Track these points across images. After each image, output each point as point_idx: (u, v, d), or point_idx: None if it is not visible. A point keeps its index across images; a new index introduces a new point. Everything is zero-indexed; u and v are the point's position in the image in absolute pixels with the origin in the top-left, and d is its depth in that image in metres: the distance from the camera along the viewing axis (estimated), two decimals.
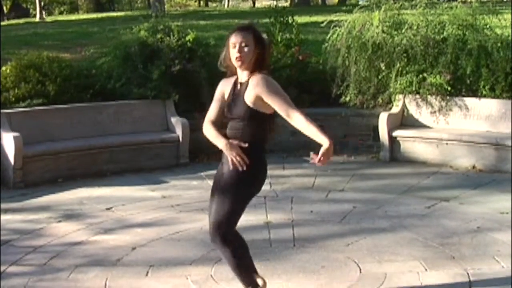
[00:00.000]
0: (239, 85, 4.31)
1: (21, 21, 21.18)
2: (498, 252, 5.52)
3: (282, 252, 5.66)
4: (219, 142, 4.34)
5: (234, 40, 4.21)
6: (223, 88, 4.42)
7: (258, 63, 4.26)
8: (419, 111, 9.35)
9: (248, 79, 4.25)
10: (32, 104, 9.01)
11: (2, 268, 5.41)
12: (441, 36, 9.40)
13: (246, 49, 4.20)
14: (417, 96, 9.31)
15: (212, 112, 4.46)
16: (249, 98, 4.21)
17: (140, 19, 10.76)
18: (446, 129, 9.09)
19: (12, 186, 8.07)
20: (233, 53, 4.22)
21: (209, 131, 4.44)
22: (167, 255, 5.66)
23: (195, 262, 5.48)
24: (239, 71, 4.31)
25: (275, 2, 26.81)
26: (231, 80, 4.39)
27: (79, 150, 8.65)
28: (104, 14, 21.55)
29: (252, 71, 4.25)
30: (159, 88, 9.45)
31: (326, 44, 9.96)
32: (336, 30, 9.85)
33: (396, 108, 9.41)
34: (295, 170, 8.67)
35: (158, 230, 6.34)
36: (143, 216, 6.85)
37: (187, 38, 9.82)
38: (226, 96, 4.38)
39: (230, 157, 4.25)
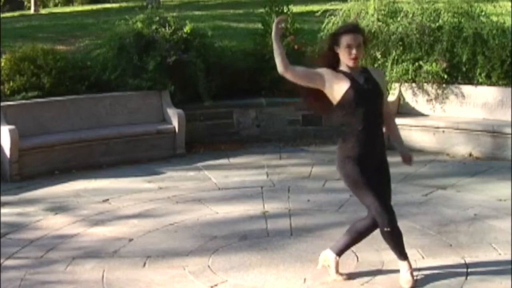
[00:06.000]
0: (356, 74, 4.50)
1: (16, 13, 21.07)
2: (496, 239, 5.53)
3: (279, 242, 5.66)
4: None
5: (350, 42, 4.40)
6: (330, 77, 4.49)
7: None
8: (415, 99, 9.34)
9: (364, 68, 4.61)
10: (27, 96, 8.98)
11: None
12: (437, 24, 9.37)
13: (359, 48, 4.43)
14: (413, 84, 9.30)
15: (305, 70, 4.55)
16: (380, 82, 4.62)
17: (135, 10, 10.71)
18: (443, 117, 9.08)
19: (9, 179, 8.04)
20: (348, 53, 4.42)
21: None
22: (164, 246, 5.66)
23: (192, 253, 5.48)
24: (349, 66, 4.47)
25: None
26: (339, 75, 4.49)
27: (75, 142, 8.63)
28: (99, 6, 21.44)
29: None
30: (154, 79, 9.41)
31: (322, 33, 9.93)
32: (331, 19, 9.83)
33: (392, 97, 9.38)
34: (292, 160, 8.65)
35: (155, 221, 6.34)
36: (139, 207, 6.84)
37: (185, 30, 9.78)
38: (336, 85, 4.46)
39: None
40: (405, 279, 4.71)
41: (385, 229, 4.58)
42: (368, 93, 4.48)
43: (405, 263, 4.74)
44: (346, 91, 4.44)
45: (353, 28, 4.54)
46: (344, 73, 4.49)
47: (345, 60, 4.46)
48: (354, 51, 4.41)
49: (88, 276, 5.09)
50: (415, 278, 4.73)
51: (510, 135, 8.25)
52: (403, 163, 4.96)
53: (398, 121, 9.00)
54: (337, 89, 4.46)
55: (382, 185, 4.69)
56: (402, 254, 4.73)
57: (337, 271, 4.88)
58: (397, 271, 4.90)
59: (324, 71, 4.51)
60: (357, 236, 4.85)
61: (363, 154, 4.56)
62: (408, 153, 5.01)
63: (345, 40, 4.42)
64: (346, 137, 4.58)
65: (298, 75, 4.51)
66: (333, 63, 4.54)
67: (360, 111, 4.46)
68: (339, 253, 4.89)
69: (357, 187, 4.62)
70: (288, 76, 4.49)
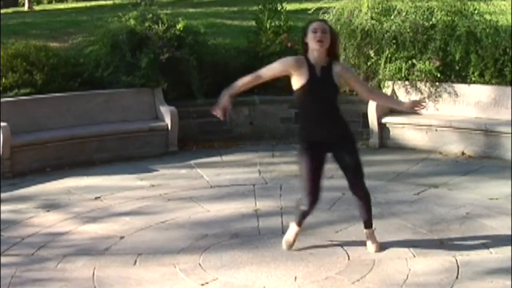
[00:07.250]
0: (319, 68, 4.96)
1: (10, 10, 21.00)
2: (487, 238, 5.53)
3: (270, 240, 5.65)
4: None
5: (316, 26, 4.92)
6: (294, 66, 4.96)
7: (331, 49, 4.99)
8: (409, 98, 9.31)
9: (329, 65, 4.98)
10: (20, 93, 8.95)
11: None
12: (430, 22, 9.36)
13: (325, 35, 4.91)
14: (406, 82, 9.30)
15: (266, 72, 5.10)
16: (336, 79, 5.01)
17: (128, 7, 10.68)
18: (436, 115, 9.08)
19: (0, 176, 8.01)
20: (313, 37, 4.90)
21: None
22: (155, 244, 5.65)
23: (183, 250, 5.47)
24: (314, 55, 4.93)
25: None
26: (303, 65, 4.94)
27: (67, 139, 8.60)
28: (93, 3, 21.34)
29: (328, 56, 4.98)
30: (147, 76, 9.39)
31: None
32: (325, 17, 9.81)
33: None
34: (284, 158, 8.63)
35: (146, 219, 6.33)
36: (131, 205, 6.83)
37: (177, 27, 9.75)
38: (297, 74, 4.93)
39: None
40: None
41: (302, 207, 5.19)
42: (322, 88, 4.96)
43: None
44: (305, 84, 4.92)
45: (319, 19, 5.19)
46: (309, 64, 4.95)
47: (312, 44, 4.91)
48: (318, 34, 4.88)
49: (79, 273, 5.08)
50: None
51: (502, 134, 8.25)
52: (416, 109, 5.27)
53: (391, 119, 9.11)
54: (297, 79, 4.94)
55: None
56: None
57: (372, 242, 5.34)
58: (389, 269, 4.91)
59: (289, 61, 5.02)
60: (364, 210, 5.34)
61: (314, 140, 5.05)
62: (411, 101, 5.61)
63: (311, 26, 4.95)
64: (301, 124, 5.23)
65: (267, 76, 5.06)
66: (306, 53, 5.00)
67: (313, 102, 4.98)
68: (367, 226, 5.37)
69: (300, 169, 5.11)
70: (262, 80, 5.08)
